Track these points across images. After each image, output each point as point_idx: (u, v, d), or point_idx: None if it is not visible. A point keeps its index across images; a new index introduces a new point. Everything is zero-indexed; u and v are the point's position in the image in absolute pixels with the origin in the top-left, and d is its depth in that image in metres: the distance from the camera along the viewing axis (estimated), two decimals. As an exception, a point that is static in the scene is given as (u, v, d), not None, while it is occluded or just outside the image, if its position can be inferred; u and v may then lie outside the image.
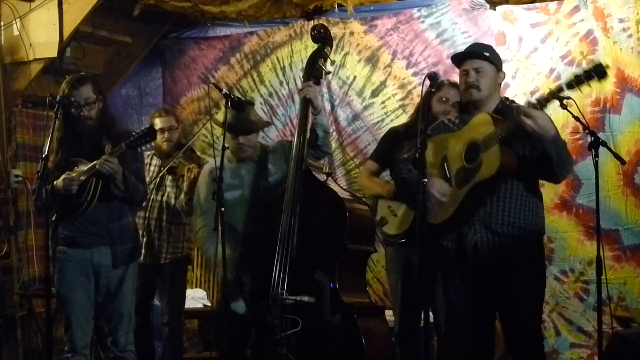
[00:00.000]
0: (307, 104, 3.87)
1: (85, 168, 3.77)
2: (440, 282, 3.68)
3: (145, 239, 4.78)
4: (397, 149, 4.22)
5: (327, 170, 4.39)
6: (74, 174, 3.75)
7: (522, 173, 3.39)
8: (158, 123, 4.84)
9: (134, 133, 3.79)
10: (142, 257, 4.64)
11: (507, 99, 3.70)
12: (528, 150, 3.38)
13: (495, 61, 3.52)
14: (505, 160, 3.30)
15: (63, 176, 3.75)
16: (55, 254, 3.90)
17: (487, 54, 3.52)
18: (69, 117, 3.84)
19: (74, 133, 3.87)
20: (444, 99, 4.18)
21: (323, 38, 4.00)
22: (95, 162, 3.73)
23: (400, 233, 4.24)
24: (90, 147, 3.84)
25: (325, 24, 5.76)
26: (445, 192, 3.42)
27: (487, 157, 3.31)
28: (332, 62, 3.99)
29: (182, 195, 4.68)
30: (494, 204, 3.40)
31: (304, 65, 4.03)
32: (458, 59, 3.58)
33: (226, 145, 3.70)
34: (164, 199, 4.83)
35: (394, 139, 4.36)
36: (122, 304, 3.94)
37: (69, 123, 3.86)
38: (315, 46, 4.05)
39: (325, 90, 5.82)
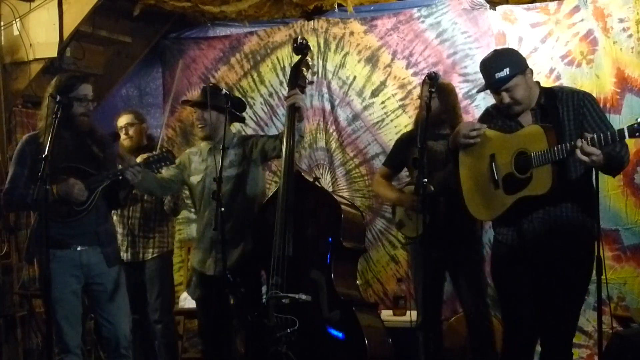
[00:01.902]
0: (294, 110, 3.97)
1: (94, 177, 3.81)
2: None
3: (130, 238, 4.79)
4: (410, 153, 4.38)
5: (314, 176, 4.47)
6: (81, 182, 3.78)
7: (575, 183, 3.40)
8: (119, 122, 4.96)
9: (152, 153, 3.95)
10: (129, 256, 4.69)
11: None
12: (583, 170, 3.37)
13: (517, 69, 3.40)
14: (556, 181, 3.29)
15: (73, 183, 3.77)
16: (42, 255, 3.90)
17: (507, 72, 3.39)
18: (62, 116, 3.84)
19: (61, 136, 3.85)
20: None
21: (304, 49, 4.09)
22: (115, 170, 3.83)
23: (417, 236, 4.34)
24: (75, 149, 3.89)
25: (325, 24, 5.79)
26: (474, 127, 3.48)
27: (538, 174, 3.31)
28: (314, 73, 4.17)
29: (169, 197, 4.71)
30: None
31: (288, 74, 4.15)
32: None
33: None
34: (146, 197, 4.82)
35: (406, 144, 4.47)
36: (122, 302, 3.98)
37: (61, 122, 3.85)
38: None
39: (325, 90, 5.83)
